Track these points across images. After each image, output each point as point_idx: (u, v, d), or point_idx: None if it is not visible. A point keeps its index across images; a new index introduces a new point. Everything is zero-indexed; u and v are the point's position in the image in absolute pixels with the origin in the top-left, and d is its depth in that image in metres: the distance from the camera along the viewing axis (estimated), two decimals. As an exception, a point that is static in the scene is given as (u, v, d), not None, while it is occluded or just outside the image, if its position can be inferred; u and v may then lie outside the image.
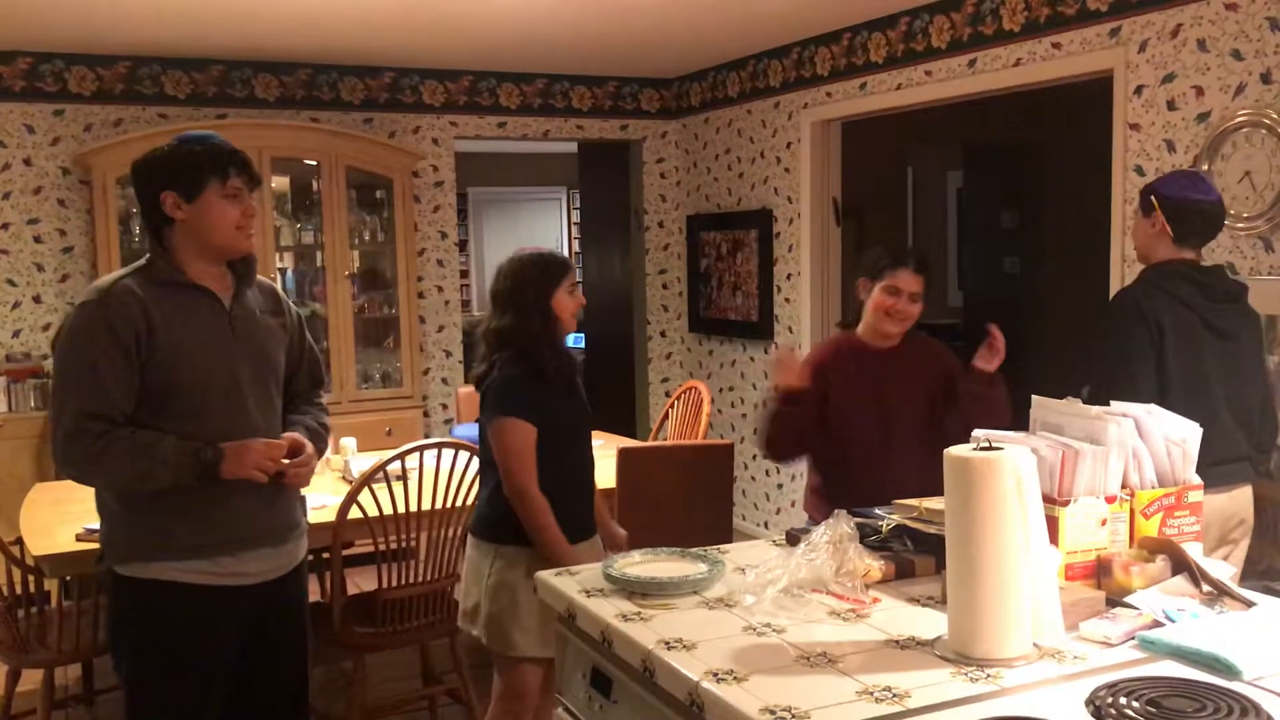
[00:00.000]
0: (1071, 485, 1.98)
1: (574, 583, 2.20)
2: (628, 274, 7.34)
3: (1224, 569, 1.98)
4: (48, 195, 5.69)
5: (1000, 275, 8.32)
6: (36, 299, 5.70)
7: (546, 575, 2.28)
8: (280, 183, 5.97)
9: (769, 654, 1.80)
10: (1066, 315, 7.03)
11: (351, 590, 4.39)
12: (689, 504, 3.75)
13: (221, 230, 2.44)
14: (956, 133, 7.58)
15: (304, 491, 3.68)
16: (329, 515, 3.51)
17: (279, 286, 2.76)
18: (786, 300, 6.06)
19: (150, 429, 2.36)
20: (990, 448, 1.75)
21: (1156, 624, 1.83)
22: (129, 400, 2.36)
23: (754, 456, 6.34)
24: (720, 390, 6.74)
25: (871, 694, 1.62)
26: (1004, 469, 1.71)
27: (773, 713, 1.56)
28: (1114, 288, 4.17)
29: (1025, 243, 7.92)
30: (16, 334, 5.65)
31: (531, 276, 2.94)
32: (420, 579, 3.61)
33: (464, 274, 13.73)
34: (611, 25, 5.28)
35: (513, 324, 2.92)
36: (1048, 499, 1.98)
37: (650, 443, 4.50)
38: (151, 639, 2.45)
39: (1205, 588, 1.97)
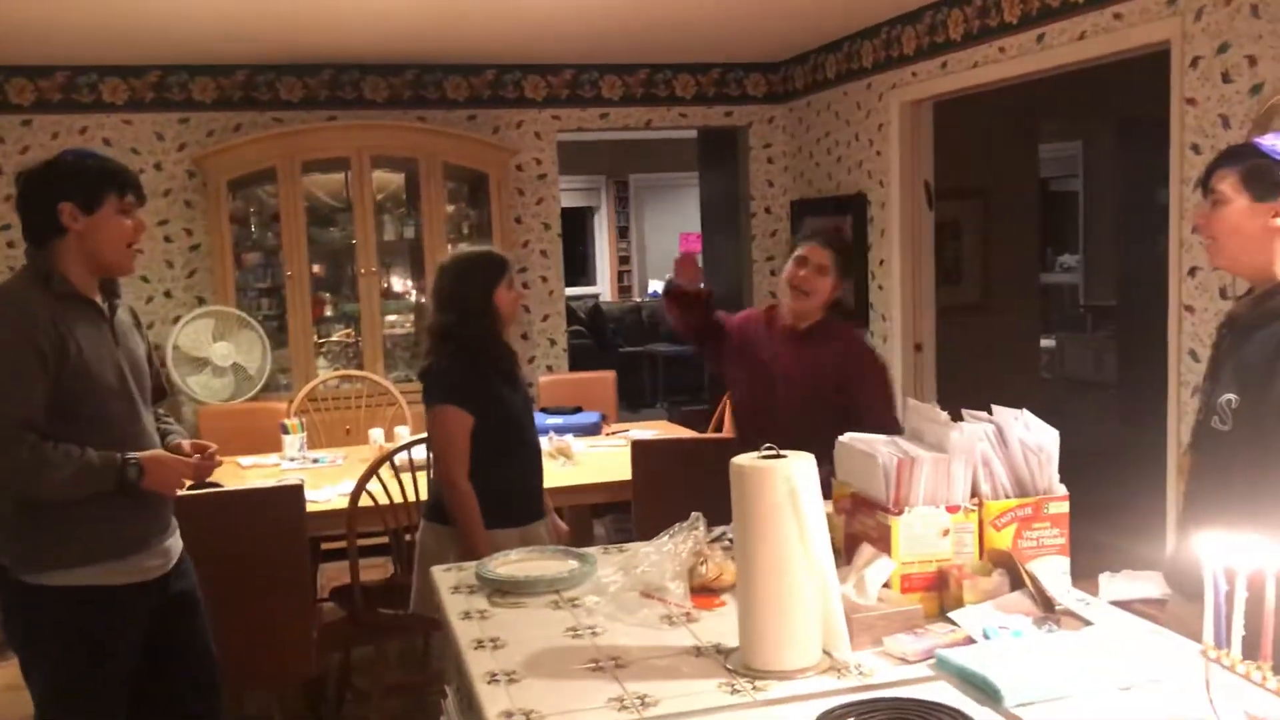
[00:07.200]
0: (909, 494, 1.91)
1: (450, 578, 2.27)
2: (740, 260, 7.30)
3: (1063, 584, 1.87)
4: (176, 197, 6.14)
5: (1155, 255, 7.81)
6: (167, 294, 6.17)
7: (437, 570, 2.36)
8: (382, 179, 6.24)
9: (566, 656, 1.83)
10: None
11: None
12: (703, 497, 3.72)
13: (114, 245, 2.47)
14: (1085, 108, 7.18)
15: (342, 477, 3.85)
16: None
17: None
18: (880, 287, 5.91)
19: (59, 440, 2.37)
20: (775, 455, 1.72)
21: (971, 641, 1.76)
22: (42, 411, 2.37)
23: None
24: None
25: (622, 700, 1.63)
26: (777, 478, 1.68)
27: (509, 715, 1.60)
28: (1174, 278, 3.90)
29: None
30: (150, 326, 6.13)
31: (474, 275, 3.12)
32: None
33: (624, 260, 13.94)
34: (711, 9, 5.24)
35: (456, 320, 3.08)
36: (882, 508, 1.92)
37: (664, 436, 4.51)
38: (72, 645, 2.44)
39: (1059, 605, 1.87)
